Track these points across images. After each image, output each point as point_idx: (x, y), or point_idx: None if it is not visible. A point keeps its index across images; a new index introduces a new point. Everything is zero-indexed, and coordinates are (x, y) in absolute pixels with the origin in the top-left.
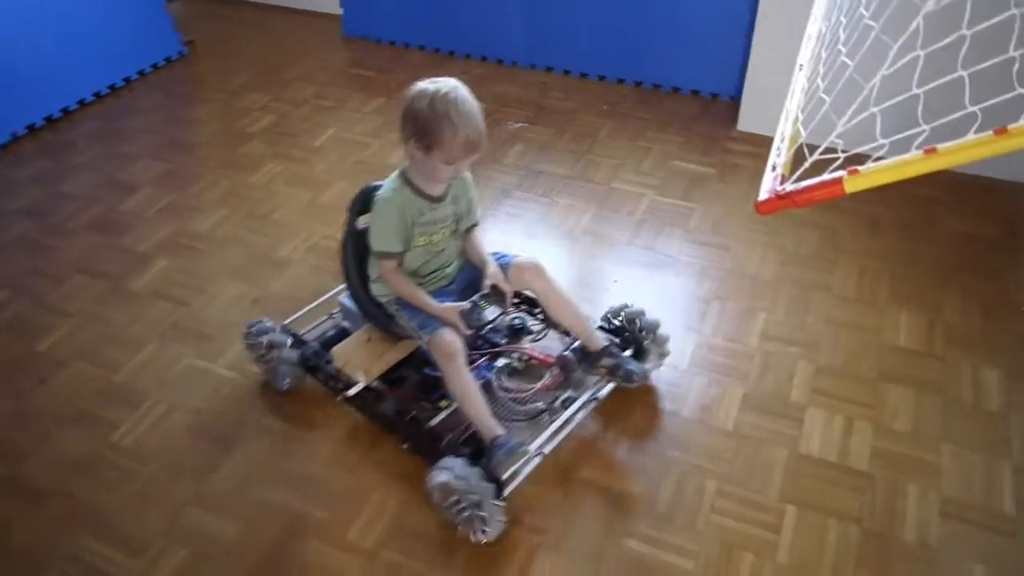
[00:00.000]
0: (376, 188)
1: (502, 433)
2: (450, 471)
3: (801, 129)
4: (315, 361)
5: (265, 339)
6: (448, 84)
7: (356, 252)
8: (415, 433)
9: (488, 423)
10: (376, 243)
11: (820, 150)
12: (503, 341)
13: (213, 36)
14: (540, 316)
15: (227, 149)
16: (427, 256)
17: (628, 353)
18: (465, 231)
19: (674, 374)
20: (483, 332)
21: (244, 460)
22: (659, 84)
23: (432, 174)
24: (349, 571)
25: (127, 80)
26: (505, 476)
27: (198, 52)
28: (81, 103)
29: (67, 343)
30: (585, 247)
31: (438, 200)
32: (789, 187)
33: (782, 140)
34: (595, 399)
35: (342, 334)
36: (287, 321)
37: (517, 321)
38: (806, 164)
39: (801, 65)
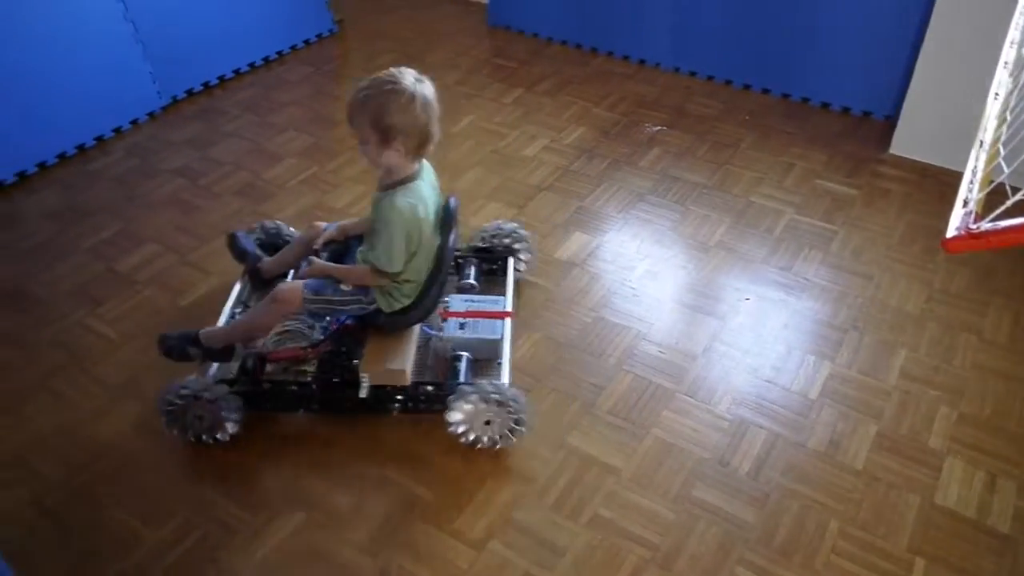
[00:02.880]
0: None
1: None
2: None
3: (1003, 164)
4: None
5: None
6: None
7: None
8: None
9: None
10: None
11: None
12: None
13: (362, 16)
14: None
15: None
16: None
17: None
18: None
19: (802, 403)
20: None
21: (361, 433)
22: (807, 97)
23: None
24: (457, 558)
25: (280, 53)
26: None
27: (347, 30)
28: (236, 72)
29: (207, 301)
30: (718, 260)
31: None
32: (986, 226)
33: (975, 174)
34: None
35: None
36: None
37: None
38: (1008, 204)
39: (997, 94)
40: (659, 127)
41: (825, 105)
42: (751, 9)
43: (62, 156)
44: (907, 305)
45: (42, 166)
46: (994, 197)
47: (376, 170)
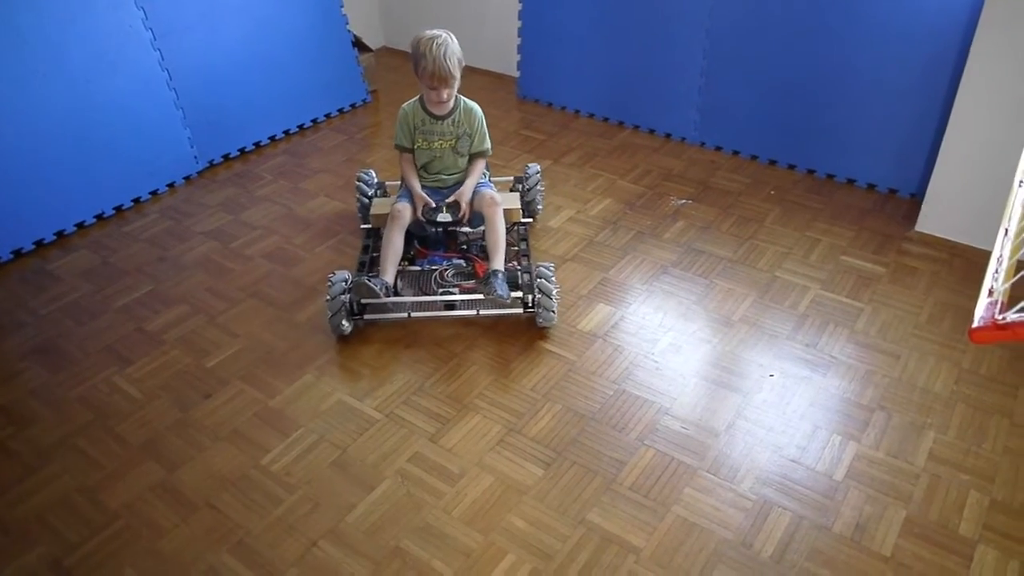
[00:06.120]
0: None
1: (382, 279)
2: (344, 275)
3: None
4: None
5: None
6: (436, 31)
7: None
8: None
9: (383, 267)
10: (396, 139)
11: None
12: (465, 247)
13: (395, 86)
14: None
15: None
16: (428, 157)
17: (515, 293)
18: (471, 156)
19: (827, 485)
20: (454, 233)
21: (381, 504)
22: (832, 174)
23: (427, 96)
24: None
25: (314, 121)
26: (359, 296)
27: (380, 100)
28: (272, 139)
29: (232, 363)
30: (741, 335)
31: (439, 118)
32: (1012, 317)
33: (1000, 263)
34: (475, 309)
35: None
36: None
37: (484, 242)
38: None
39: (1021, 181)
40: (684, 200)
41: (850, 182)
42: (777, 86)
43: (100, 216)
44: (935, 386)
45: (80, 226)
46: (1021, 286)
47: (438, 107)
